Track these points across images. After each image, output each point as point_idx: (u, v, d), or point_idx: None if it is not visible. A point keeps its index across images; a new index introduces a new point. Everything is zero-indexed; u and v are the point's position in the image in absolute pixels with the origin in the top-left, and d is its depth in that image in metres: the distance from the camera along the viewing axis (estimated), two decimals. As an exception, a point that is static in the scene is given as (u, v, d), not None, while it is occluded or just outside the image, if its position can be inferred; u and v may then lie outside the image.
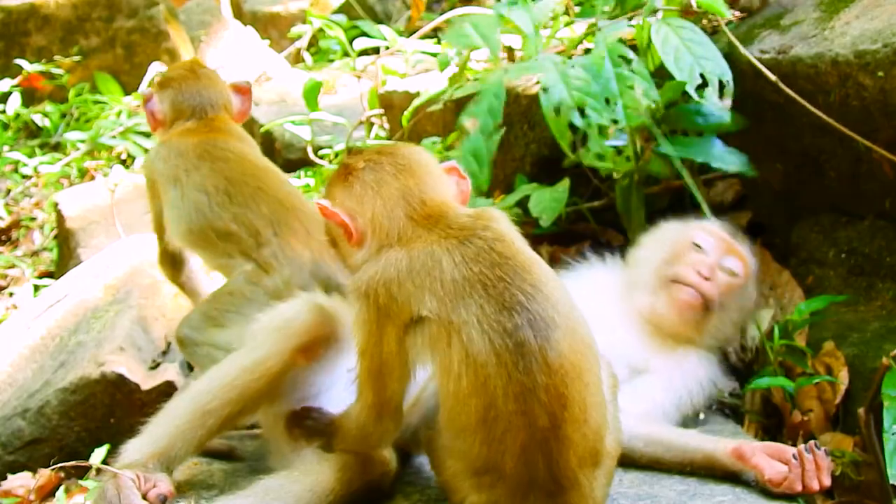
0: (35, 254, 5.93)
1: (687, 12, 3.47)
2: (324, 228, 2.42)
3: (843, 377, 2.85)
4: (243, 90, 3.40)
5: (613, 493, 2.37)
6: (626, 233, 3.79)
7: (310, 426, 2.40)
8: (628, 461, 2.59)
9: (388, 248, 2.12)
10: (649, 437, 2.62)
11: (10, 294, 5.46)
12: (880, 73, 2.86)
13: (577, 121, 3.07)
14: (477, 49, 3.51)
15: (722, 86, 3.05)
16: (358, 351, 2.16)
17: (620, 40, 3.45)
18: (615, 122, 3.11)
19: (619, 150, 3.35)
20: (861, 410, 2.68)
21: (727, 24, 3.35)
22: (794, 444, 2.57)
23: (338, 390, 2.51)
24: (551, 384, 1.97)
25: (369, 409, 2.18)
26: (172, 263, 3.33)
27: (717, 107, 3.03)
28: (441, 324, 2.01)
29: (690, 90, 3.04)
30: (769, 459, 2.46)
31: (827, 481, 2.42)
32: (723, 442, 2.59)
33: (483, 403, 1.97)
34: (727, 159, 3.25)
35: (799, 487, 2.41)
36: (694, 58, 3.10)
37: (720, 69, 3.08)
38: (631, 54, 3.25)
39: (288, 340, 2.42)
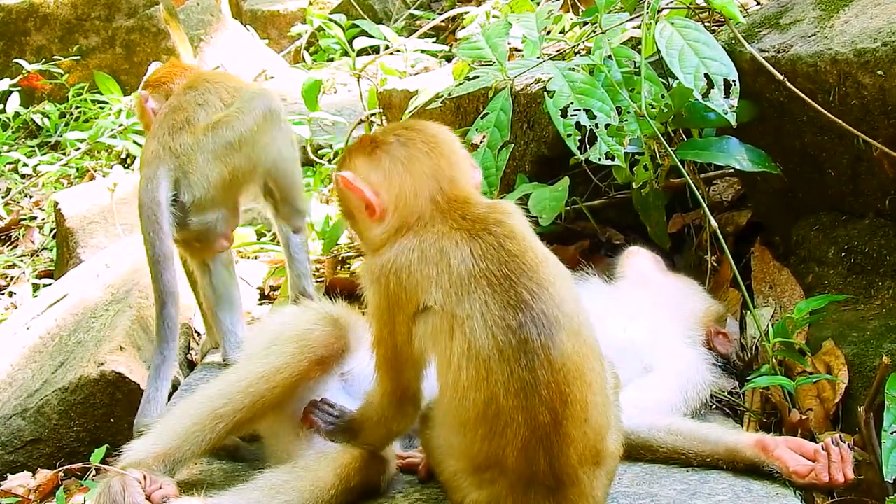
0: (35, 254, 5.94)
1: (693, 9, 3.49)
2: (336, 199, 2.34)
3: (843, 376, 2.85)
4: None
5: (613, 492, 2.37)
6: (625, 231, 3.81)
7: (330, 421, 2.39)
8: (647, 453, 2.64)
9: (406, 230, 2.10)
10: (670, 428, 2.67)
11: (10, 294, 5.46)
12: (880, 72, 2.86)
13: (585, 121, 3.07)
14: (488, 61, 3.52)
15: (728, 85, 3.04)
16: (373, 340, 2.16)
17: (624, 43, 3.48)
18: (632, 130, 3.11)
19: (635, 159, 3.38)
20: (861, 409, 2.68)
21: (729, 23, 3.34)
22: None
23: (336, 395, 2.52)
24: (553, 381, 1.97)
25: (389, 395, 2.19)
26: None
27: (723, 107, 3.02)
28: (445, 315, 2.01)
29: (697, 95, 3.04)
30: (792, 452, 2.50)
31: (850, 474, 2.44)
32: (745, 434, 2.67)
33: (483, 397, 1.98)
34: (750, 158, 3.24)
35: (825, 479, 2.44)
36: (699, 59, 3.09)
37: (726, 69, 3.07)
38: (637, 57, 3.25)
39: (306, 352, 2.43)
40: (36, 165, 6.81)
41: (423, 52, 6.68)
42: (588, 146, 3.08)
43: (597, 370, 2.09)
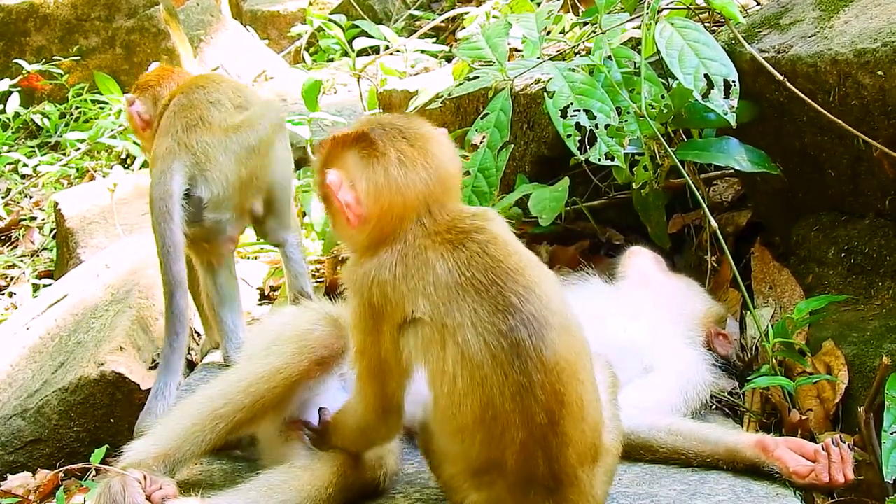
0: (35, 254, 5.94)
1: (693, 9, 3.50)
2: (316, 186, 2.26)
3: (843, 376, 2.85)
4: None
5: (613, 492, 2.37)
6: (625, 232, 3.81)
7: (309, 435, 2.43)
8: (647, 453, 2.64)
9: (387, 244, 2.07)
10: (670, 428, 2.67)
11: (10, 294, 5.46)
12: (880, 72, 2.86)
13: (585, 121, 3.07)
14: (488, 61, 3.53)
15: (728, 86, 3.05)
16: (356, 350, 2.15)
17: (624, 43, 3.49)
18: (632, 131, 3.11)
19: (634, 159, 3.38)
20: (861, 410, 2.68)
21: (729, 23, 3.35)
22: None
23: (335, 395, 2.52)
24: (547, 382, 1.97)
25: (372, 407, 2.17)
26: None
27: (723, 108, 3.03)
28: (434, 326, 2.00)
29: (697, 95, 3.04)
30: (792, 453, 2.51)
31: (851, 475, 2.45)
32: (745, 435, 2.67)
33: (480, 403, 1.97)
34: (750, 158, 3.24)
35: (825, 479, 2.44)
36: (699, 59, 3.09)
37: (726, 69, 3.08)
38: (637, 57, 3.26)
39: (305, 352, 2.43)
40: (36, 166, 6.81)
41: (423, 52, 6.68)
42: (588, 147, 3.08)
43: (588, 367, 2.09)
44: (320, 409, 2.45)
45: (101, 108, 7.21)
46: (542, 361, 1.97)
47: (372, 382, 2.14)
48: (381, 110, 5.25)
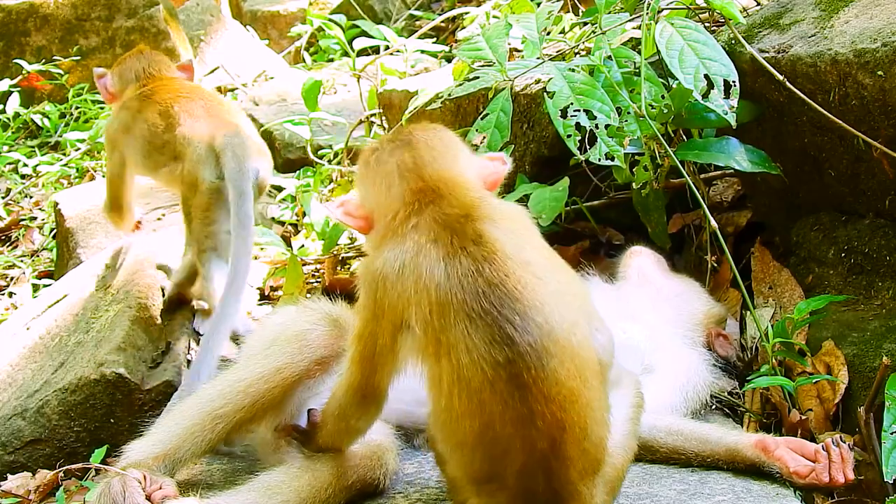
0: (35, 254, 5.93)
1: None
2: None
3: (843, 376, 2.86)
4: (187, 68, 4.26)
5: (613, 493, 2.37)
6: (625, 232, 3.81)
7: (297, 437, 2.43)
8: (647, 453, 2.64)
9: (390, 236, 2.10)
10: (670, 428, 2.67)
11: (10, 294, 5.46)
12: (880, 73, 2.86)
13: (585, 122, 3.08)
14: (488, 61, 3.54)
15: (728, 86, 3.05)
16: (354, 334, 2.15)
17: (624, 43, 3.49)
18: (632, 131, 3.11)
19: (634, 159, 3.38)
20: (861, 410, 2.68)
21: (729, 23, 3.35)
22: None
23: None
24: (548, 412, 1.93)
25: (354, 389, 2.18)
26: (119, 210, 4.16)
27: (723, 108, 3.03)
28: (428, 340, 1.99)
29: (697, 95, 3.04)
30: (792, 453, 2.51)
31: (851, 475, 2.45)
32: (745, 435, 2.67)
33: (479, 424, 1.95)
34: (750, 158, 3.25)
35: (826, 479, 2.45)
36: (699, 59, 3.10)
37: (726, 69, 3.08)
38: (637, 57, 3.26)
39: (305, 352, 2.43)
40: (36, 166, 6.81)
41: (422, 52, 6.67)
42: (588, 147, 3.09)
43: (595, 384, 2.02)
44: (309, 411, 2.44)
45: (101, 108, 7.21)
46: (542, 393, 1.92)
47: (361, 367, 2.14)
48: (381, 110, 5.25)
